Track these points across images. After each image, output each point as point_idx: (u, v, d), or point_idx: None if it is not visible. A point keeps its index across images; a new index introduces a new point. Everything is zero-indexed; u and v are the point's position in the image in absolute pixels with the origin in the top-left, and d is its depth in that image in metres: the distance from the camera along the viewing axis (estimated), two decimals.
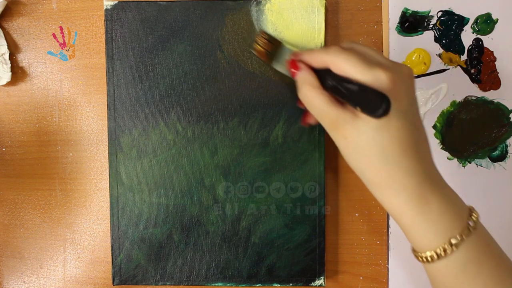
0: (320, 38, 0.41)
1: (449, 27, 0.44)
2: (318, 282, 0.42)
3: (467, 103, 0.44)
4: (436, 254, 0.31)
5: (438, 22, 0.44)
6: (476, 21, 0.43)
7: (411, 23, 0.44)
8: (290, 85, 0.41)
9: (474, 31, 0.44)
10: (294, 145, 0.42)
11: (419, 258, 0.32)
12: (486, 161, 0.44)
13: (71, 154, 0.45)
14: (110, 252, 0.43)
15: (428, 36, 0.44)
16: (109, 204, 0.43)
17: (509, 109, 0.44)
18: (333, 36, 0.44)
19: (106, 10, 0.41)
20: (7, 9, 0.44)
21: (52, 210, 0.45)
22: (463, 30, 0.44)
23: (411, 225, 0.31)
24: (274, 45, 0.38)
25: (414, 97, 0.32)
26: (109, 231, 0.44)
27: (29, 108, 0.45)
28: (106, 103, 0.42)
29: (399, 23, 0.44)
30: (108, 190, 0.42)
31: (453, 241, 0.30)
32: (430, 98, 0.44)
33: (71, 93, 0.45)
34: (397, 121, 0.30)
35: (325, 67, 0.33)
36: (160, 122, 0.42)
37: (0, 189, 0.46)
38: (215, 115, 0.42)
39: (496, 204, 0.44)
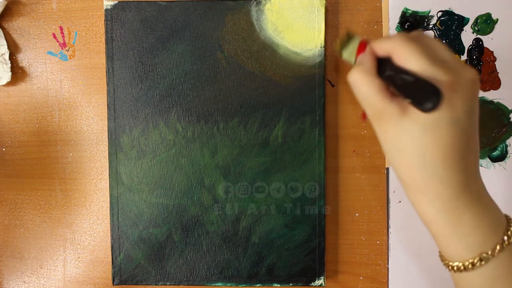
0: (320, 38, 0.41)
1: (449, 27, 0.44)
2: (318, 282, 0.42)
3: None
4: (463, 266, 0.30)
5: (438, 22, 0.44)
6: (476, 21, 0.43)
7: (411, 23, 0.44)
8: (290, 85, 0.41)
9: (474, 31, 0.44)
10: (294, 145, 0.42)
11: (446, 265, 0.31)
12: (486, 161, 0.44)
13: (71, 154, 0.45)
14: (110, 252, 0.43)
15: None
16: (109, 204, 0.43)
17: (509, 109, 0.44)
18: (333, 36, 0.44)
19: (106, 10, 0.41)
20: (7, 9, 0.44)
21: (52, 210, 0.45)
22: (463, 30, 0.44)
23: (442, 234, 0.30)
24: (348, 36, 0.36)
25: (474, 105, 0.29)
26: (109, 231, 0.44)
27: (29, 108, 0.45)
28: (106, 103, 0.42)
29: (399, 23, 0.44)
30: (108, 190, 0.42)
31: (484, 256, 0.29)
32: None
33: (71, 93, 0.45)
34: (445, 127, 0.28)
35: (388, 56, 0.31)
36: (160, 122, 0.42)
37: (0, 189, 0.46)
38: (215, 115, 0.42)
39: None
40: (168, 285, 0.43)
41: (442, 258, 0.32)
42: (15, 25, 0.44)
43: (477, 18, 0.43)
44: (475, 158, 0.30)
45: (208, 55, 0.42)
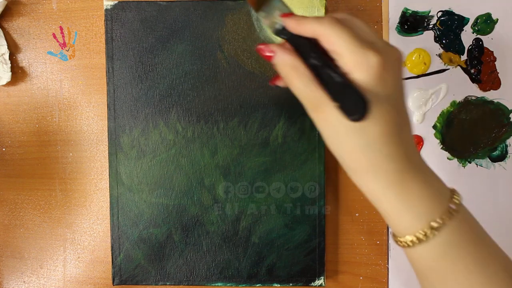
0: None
1: (449, 27, 0.44)
2: (318, 282, 0.42)
3: (467, 103, 0.44)
4: (417, 238, 0.30)
5: (438, 22, 0.44)
6: (476, 21, 0.43)
7: (411, 23, 0.44)
8: None
9: (474, 31, 0.44)
10: (294, 145, 0.42)
11: (400, 243, 0.32)
12: (486, 161, 0.44)
13: (71, 154, 0.45)
14: (110, 252, 0.43)
15: (428, 36, 0.44)
16: (109, 204, 0.43)
17: (509, 109, 0.44)
18: None
19: (106, 10, 0.41)
20: (7, 9, 0.44)
21: (52, 210, 0.45)
22: (463, 30, 0.44)
23: (391, 209, 0.31)
24: None
25: (400, 81, 0.31)
26: (109, 231, 0.44)
27: (29, 108, 0.45)
28: (106, 103, 0.42)
29: (399, 23, 0.44)
30: (108, 190, 0.42)
31: (434, 225, 0.30)
32: (430, 98, 0.44)
33: (71, 93, 0.45)
34: (380, 106, 0.29)
35: (314, 38, 0.30)
36: (160, 122, 0.42)
37: (0, 189, 0.46)
38: (215, 115, 0.42)
39: (496, 204, 0.44)
40: (168, 285, 0.43)
41: (395, 238, 0.32)
42: (15, 25, 0.44)
43: (477, 18, 0.43)
44: (410, 131, 0.31)
45: (208, 55, 0.42)
